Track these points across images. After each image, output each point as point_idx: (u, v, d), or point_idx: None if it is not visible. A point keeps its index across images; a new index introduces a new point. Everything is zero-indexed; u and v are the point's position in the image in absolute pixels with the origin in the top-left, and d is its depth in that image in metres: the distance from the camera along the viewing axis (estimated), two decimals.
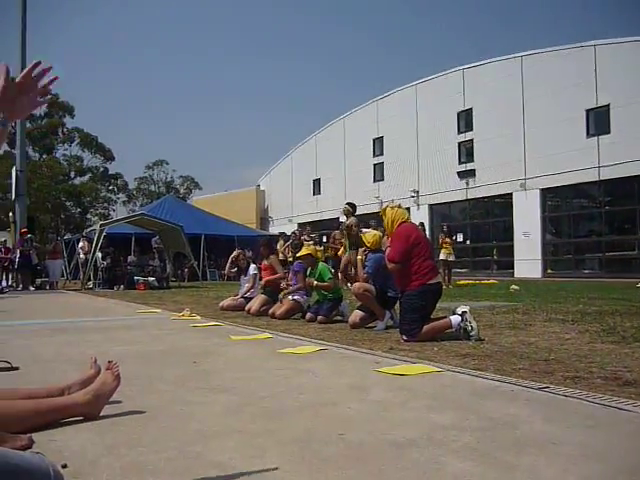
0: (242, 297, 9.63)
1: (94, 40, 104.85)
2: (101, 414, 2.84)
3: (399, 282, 5.97)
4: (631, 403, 2.98)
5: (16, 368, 4.14)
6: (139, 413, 2.92)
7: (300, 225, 34.39)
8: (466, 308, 5.72)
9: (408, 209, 6.82)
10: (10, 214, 22.40)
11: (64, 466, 1.92)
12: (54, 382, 3.26)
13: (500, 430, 2.56)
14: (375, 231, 7.16)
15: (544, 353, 4.66)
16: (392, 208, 6.12)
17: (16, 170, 21.70)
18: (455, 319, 5.65)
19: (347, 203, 12.84)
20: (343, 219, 12.04)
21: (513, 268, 27.18)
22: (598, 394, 3.19)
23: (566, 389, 3.32)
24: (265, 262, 9.46)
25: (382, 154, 35.73)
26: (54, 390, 2.93)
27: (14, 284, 18.91)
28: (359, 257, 7.15)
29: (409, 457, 2.21)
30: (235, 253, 10.17)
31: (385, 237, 6.81)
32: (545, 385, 3.43)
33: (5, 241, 21.26)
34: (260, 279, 9.67)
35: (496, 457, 2.20)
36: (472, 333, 5.51)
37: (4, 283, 18.89)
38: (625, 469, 2.07)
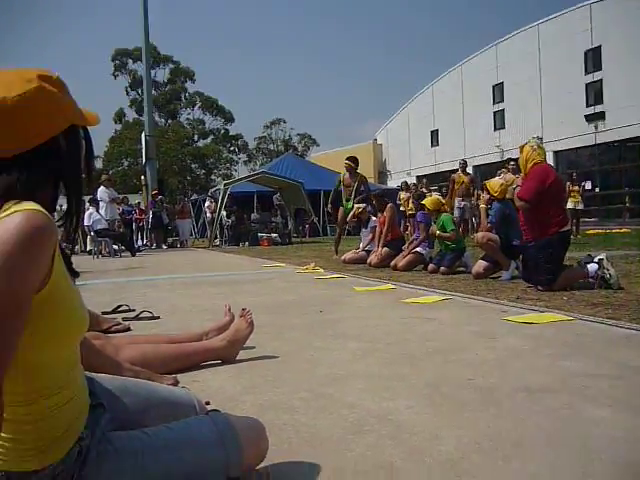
0: (363, 250, 9.70)
1: (208, 7, 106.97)
2: (237, 358, 3.00)
3: (529, 229, 5.63)
4: None
5: (157, 317, 4.44)
6: (272, 358, 3.06)
7: (418, 178, 33.96)
8: (603, 255, 5.48)
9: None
10: (142, 177, 23.66)
11: (207, 403, 2.04)
12: (192, 329, 3.48)
13: (637, 378, 2.46)
14: (501, 179, 6.93)
15: None
16: (531, 146, 5.73)
17: (145, 135, 22.84)
18: (592, 267, 5.42)
19: (348, 158, 11.41)
20: (346, 176, 11.14)
21: None
22: None
23: None
24: (383, 215, 9.42)
25: (502, 101, 34.35)
26: (193, 336, 3.13)
27: (148, 243, 20.06)
28: (482, 206, 6.99)
29: (543, 402, 2.18)
30: (358, 207, 10.20)
31: (513, 184, 6.57)
32: None
33: (139, 203, 22.56)
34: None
35: (634, 404, 2.12)
36: (611, 281, 5.27)
37: (140, 242, 20.06)
38: None
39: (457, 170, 14.72)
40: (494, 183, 6.81)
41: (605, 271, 5.32)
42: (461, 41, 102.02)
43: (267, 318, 4.20)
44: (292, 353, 3.17)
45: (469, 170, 15.81)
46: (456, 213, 13.46)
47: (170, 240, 20.66)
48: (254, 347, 3.21)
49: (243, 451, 1.48)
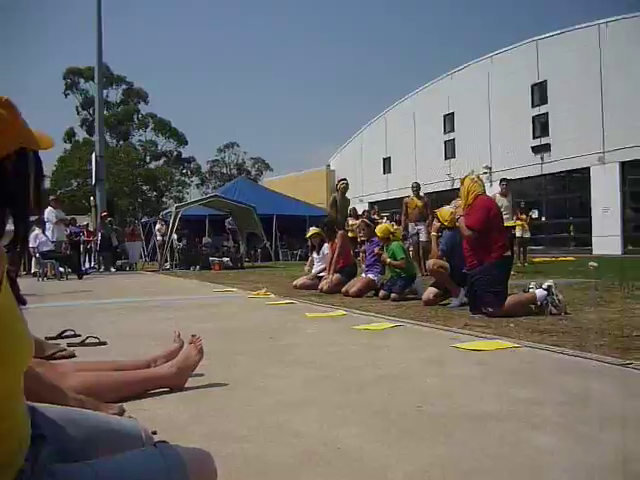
0: (316, 276, 9.72)
1: (163, 27, 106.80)
2: (185, 386, 2.95)
3: (474, 255, 5.89)
4: None
5: (104, 343, 4.34)
6: (221, 385, 3.02)
7: (370, 204, 34.29)
8: (551, 282, 5.71)
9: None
10: (91, 198, 23.25)
11: (154, 432, 2.01)
12: (140, 356, 3.41)
13: (582, 405, 2.52)
14: (451, 208, 7.07)
15: (626, 330, 4.50)
16: (471, 179, 6.12)
17: (96, 156, 22.49)
18: (540, 292, 5.63)
19: (342, 179, 12.56)
20: (338, 197, 11.57)
21: (591, 245, 26.24)
22: None
23: None
24: (335, 242, 9.44)
25: (453, 130, 35.06)
26: (141, 363, 3.06)
27: (96, 265, 19.66)
28: (433, 234, 7.11)
29: (490, 430, 2.21)
30: (312, 232, 10.24)
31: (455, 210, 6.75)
32: (628, 361, 3.32)
33: (87, 224, 22.13)
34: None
35: (580, 432, 2.17)
36: (560, 305, 5.51)
37: (87, 265, 19.65)
38: None
39: (408, 196, 14.17)
40: (445, 212, 6.94)
41: (554, 297, 5.52)
42: (414, 71, 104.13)
43: (217, 344, 4.15)
44: (242, 380, 3.13)
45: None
46: (412, 238, 13.10)
47: (119, 263, 20.30)
48: (203, 374, 3.17)
49: None
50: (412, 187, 13.76)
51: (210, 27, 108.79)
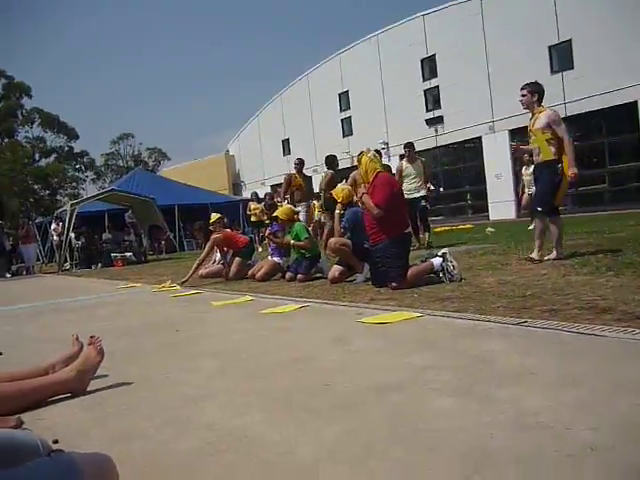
0: (220, 263, 9.62)
1: (44, 17, 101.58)
2: (88, 389, 2.86)
3: (377, 232, 5.99)
4: (606, 329, 3.05)
5: None
6: (126, 384, 2.94)
7: (273, 187, 34.24)
8: (446, 250, 5.94)
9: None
10: None
11: (55, 441, 1.93)
12: (38, 363, 3.26)
13: (479, 366, 2.61)
14: (344, 185, 7.16)
15: (521, 290, 4.72)
16: (369, 157, 6.18)
17: None
18: (437, 261, 5.82)
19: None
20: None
21: (488, 211, 27.39)
22: (575, 324, 3.26)
23: (543, 322, 3.38)
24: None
25: (349, 108, 35.46)
26: (38, 370, 2.93)
27: None
28: (337, 212, 7.16)
29: (393, 400, 2.26)
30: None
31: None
32: (523, 320, 3.48)
33: None
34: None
35: (476, 392, 2.26)
36: (454, 272, 5.70)
37: None
38: (600, 392, 2.13)
39: (311, 177, 13.04)
40: (338, 190, 7.02)
41: (449, 263, 5.75)
42: (308, 49, 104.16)
43: (121, 342, 4.04)
44: (147, 378, 3.06)
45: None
46: (302, 217, 11.00)
47: (14, 267, 19.35)
48: (106, 375, 3.07)
49: None
50: (295, 164, 12.22)
51: (96, 13, 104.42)
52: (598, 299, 3.99)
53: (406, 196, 9.22)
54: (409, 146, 11.27)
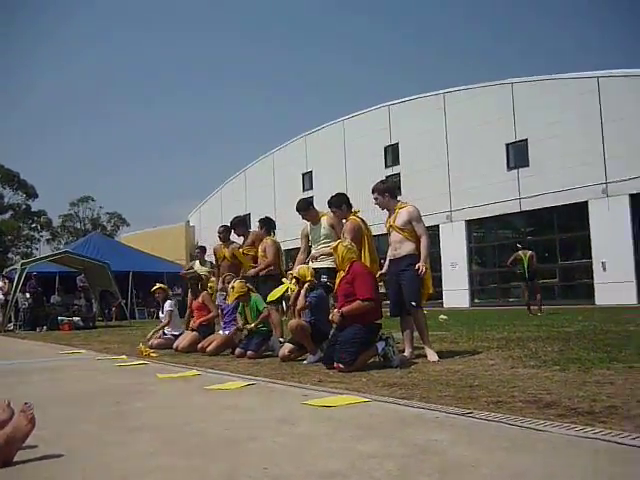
0: (171, 334, 9.44)
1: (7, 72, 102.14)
2: (14, 460, 2.71)
3: (355, 313, 5.88)
4: (549, 424, 3.06)
5: None
6: (56, 457, 2.80)
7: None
8: (389, 334, 5.97)
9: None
10: None
11: None
12: None
13: (423, 456, 2.58)
14: (306, 266, 7.15)
15: (469, 380, 4.74)
16: (345, 246, 6.17)
17: None
18: (380, 344, 5.81)
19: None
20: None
21: (442, 298, 27.66)
22: (518, 417, 3.27)
23: (488, 413, 3.38)
24: (197, 300, 9.27)
25: (312, 188, 36.01)
26: None
27: None
28: (306, 286, 6.97)
29: None
30: (156, 287, 9.97)
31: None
32: (469, 411, 3.48)
33: None
34: (191, 316, 9.41)
35: None
36: (394, 357, 5.71)
37: None
38: None
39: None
40: (303, 270, 6.96)
41: (389, 348, 5.77)
42: (273, 129, 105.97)
43: (56, 411, 3.88)
44: (81, 451, 2.93)
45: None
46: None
47: None
48: (36, 446, 2.92)
49: None
50: (218, 232, 9.61)
51: (63, 75, 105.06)
52: (543, 393, 4.02)
53: None
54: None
